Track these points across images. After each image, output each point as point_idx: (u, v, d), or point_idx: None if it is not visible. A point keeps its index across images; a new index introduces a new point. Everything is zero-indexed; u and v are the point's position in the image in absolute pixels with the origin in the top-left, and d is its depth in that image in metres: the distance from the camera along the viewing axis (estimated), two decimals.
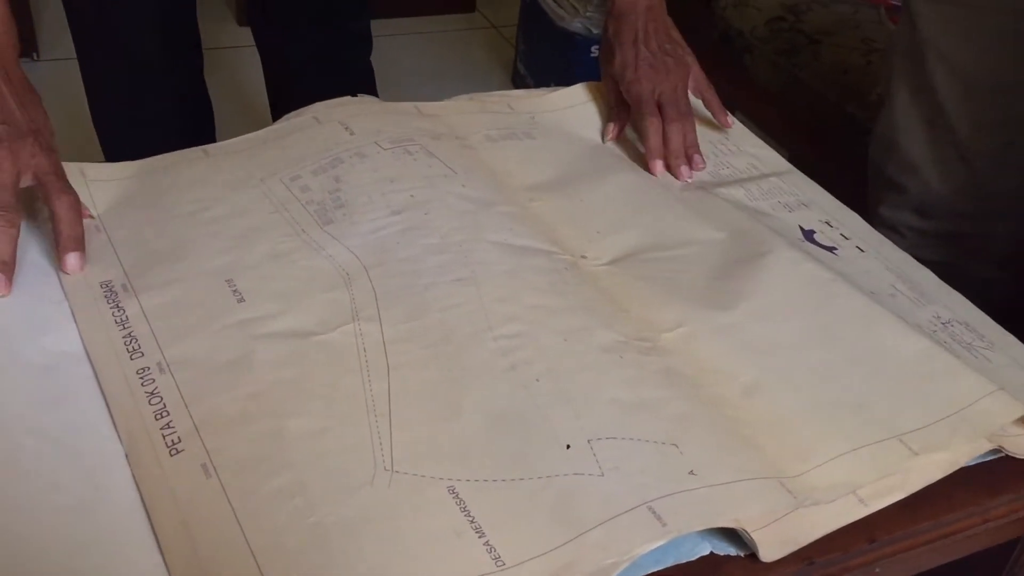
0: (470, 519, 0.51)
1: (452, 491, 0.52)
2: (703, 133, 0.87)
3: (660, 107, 0.83)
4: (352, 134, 0.75)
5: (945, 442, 0.59)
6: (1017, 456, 0.61)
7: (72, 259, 0.63)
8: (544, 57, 2.04)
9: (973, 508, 0.59)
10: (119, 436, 0.55)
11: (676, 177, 0.81)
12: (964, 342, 0.67)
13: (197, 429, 0.54)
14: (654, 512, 0.50)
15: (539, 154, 0.81)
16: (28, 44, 1.92)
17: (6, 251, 0.62)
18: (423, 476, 0.53)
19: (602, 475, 0.52)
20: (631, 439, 0.55)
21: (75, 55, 1.09)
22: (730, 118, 0.90)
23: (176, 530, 0.50)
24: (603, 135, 0.86)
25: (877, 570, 0.57)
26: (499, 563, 0.49)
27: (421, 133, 0.77)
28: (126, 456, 0.54)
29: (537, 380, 0.57)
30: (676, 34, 0.88)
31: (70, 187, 0.65)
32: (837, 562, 0.55)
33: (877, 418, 0.60)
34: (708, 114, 0.89)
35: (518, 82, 2.17)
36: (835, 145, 1.45)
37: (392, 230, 0.67)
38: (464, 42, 2.36)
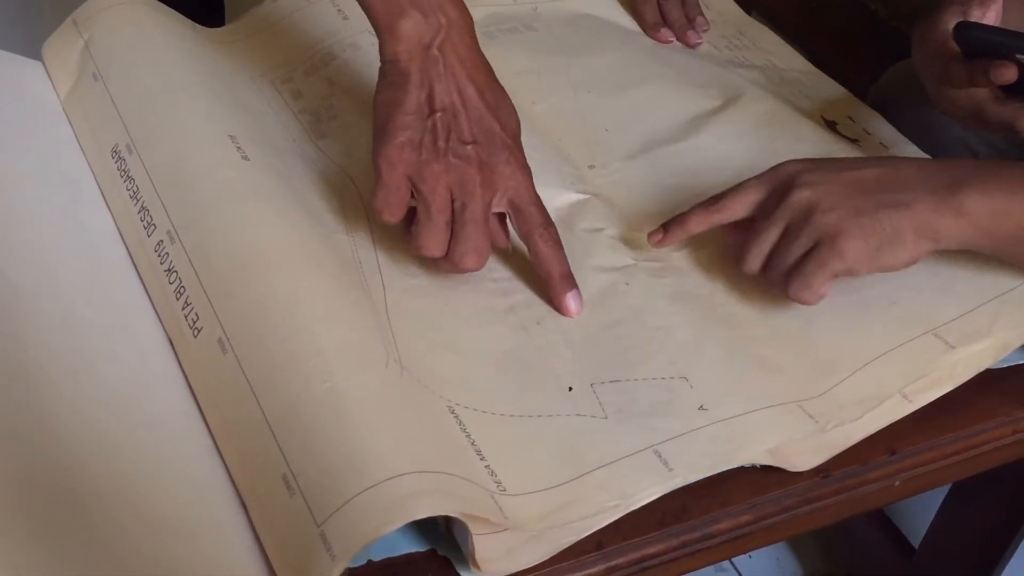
0: (471, 441, 0.48)
1: (452, 411, 0.49)
2: (717, 29, 0.83)
3: None
4: (346, 19, 0.70)
5: (986, 329, 0.55)
6: None
7: (572, 301, 0.56)
8: None
9: (1003, 418, 0.56)
10: (159, 319, 0.54)
11: (685, 44, 0.80)
12: None
13: (210, 301, 0.51)
14: (660, 456, 0.48)
15: (541, 46, 0.76)
16: None
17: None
18: (427, 387, 0.50)
19: (606, 418, 0.50)
20: (636, 379, 0.52)
21: None
22: None
23: (212, 412, 0.49)
24: None
25: (897, 483, 0.54)
26: (500, 487, 0.46)
27: None
28: (169, 341, 0.53)
29: (537, 323, 0.55)
30: None
31: (548, 217, 0.56)
32: (854, 475, 0.52)
33: (910, 313, 0.56)
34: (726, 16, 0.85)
35: None
36: (858, 47, 1.39)
37: None
38: None
